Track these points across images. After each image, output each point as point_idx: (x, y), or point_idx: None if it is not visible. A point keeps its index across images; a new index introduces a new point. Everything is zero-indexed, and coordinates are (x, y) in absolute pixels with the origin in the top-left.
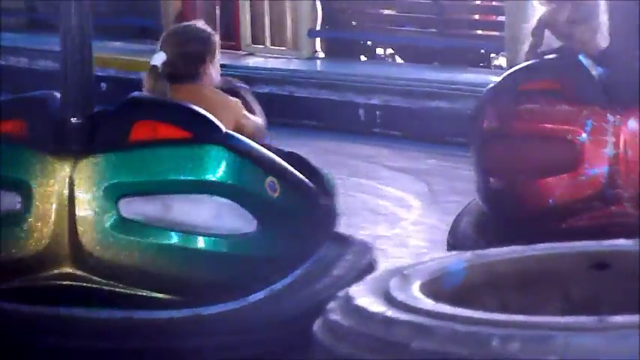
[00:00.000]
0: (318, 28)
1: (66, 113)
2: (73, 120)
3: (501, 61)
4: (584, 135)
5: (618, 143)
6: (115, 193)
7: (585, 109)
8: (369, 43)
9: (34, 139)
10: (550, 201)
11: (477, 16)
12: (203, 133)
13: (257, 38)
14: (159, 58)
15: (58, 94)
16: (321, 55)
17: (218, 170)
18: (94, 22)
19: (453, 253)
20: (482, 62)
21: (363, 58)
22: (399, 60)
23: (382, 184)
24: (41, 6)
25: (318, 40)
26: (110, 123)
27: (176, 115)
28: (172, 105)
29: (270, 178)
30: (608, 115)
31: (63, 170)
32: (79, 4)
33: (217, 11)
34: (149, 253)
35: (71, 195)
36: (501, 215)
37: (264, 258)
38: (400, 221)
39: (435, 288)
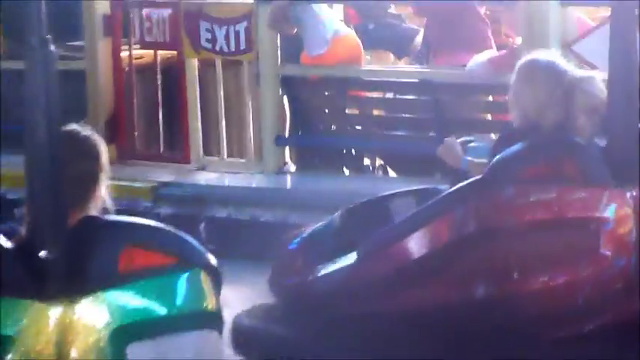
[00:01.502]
0: (286, 134)
1: (35, 248)
2: (44, 255)
3: None
4: (609, 222)
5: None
6: (122, 339)
7: (604, 193)
8: (352, 151)
9: (3, 283)
10: (578, 300)
11: (488, 116)
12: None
13: (210, 148)
14: None
15: None
16: (292, 168)
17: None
18: None
19: None
20: None
21: (345, 171)
22: (391, 173)
23: None
24: None
25: (287, 149)
26: (89, 253)
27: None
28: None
29: None
30: (627, 196)
31: (47, 318)
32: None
33: (159, 114)
34: None
35: (63, 347)
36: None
37: None
38: None
39: None
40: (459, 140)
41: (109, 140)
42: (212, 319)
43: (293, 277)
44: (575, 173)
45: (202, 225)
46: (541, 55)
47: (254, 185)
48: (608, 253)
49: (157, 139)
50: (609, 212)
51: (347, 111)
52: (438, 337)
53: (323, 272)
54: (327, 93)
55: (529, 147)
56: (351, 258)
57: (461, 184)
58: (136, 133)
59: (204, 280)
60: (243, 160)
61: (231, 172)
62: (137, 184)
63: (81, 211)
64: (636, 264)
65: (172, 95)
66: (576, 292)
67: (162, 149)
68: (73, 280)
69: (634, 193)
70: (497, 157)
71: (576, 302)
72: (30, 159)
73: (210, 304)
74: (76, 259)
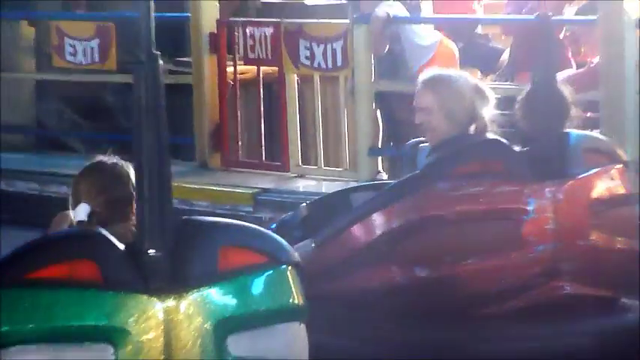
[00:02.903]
0: (379, 145)
1: (141, 246)
2: (151, 253)
3: None
4: (530, 213)
5: (558, 216)
6: (223, 331)
7: (526, 187)
8: None
9: (113, 280)
10: (498, 283)
11: None
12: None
13: (308, 158)
14: (82, 212)
15: (102, 230)
16: (384, 176)
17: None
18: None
19: None
20: None
21: None
22: None
23: None
24: (52, 121)
25: (379, 159)
26: (191, 252)
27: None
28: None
29: None
30: (546, 190)
31: (156, 311)
32: (154, 122)
33: (261, 126)
34: None
35: (170, 338)
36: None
37: None
38: None
39: None
40: (412, 141)
41: (214, 149)
42: (298, 312)
43: None
44: (501, 170)
45: None
46: (444, 71)
47: None
48: (530, 240)
49: (258, 148)
50: (530, 204)
51: None
52: (385, 316)
53: None
54: None
55: (460, 148)
56: (307, 246)
57: (401, 179)
58: (239, 143)
59: (292, 276)
60: (339, 169)
61: (328, 180)
62: (239, 190)
63: (126, 223)
64: (554, 249)
65: (273, 108)
66: (502, 275)
67: (263, 158)
68: (178, 277)
69: (552, 188)
70: (433, 156)
71: (502, 283)
72: (139, 168)
73: (296, 298)
74: (179, 258)
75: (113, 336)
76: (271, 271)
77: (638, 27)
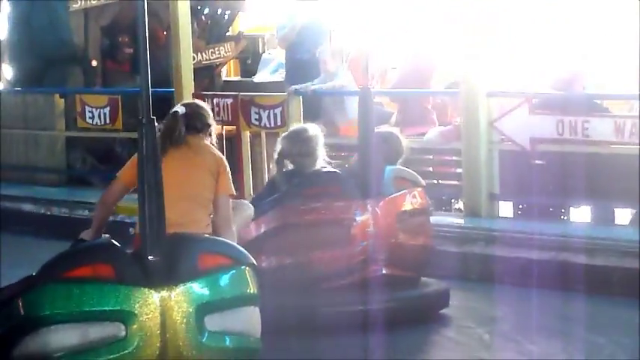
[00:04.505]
0: None
1: (144, 253)
2: (151, 258)
3: (460, 205)
4: (356, 220)
5: (375, 223)
6: (202, 313)
7: (354, 203)
8: None
9: (124, 277)
10: (335, 267)
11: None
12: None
13: (258, 190)
14: (180, 109)
15: (111, 239)
16: None
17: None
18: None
19: None
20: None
21: None
22: None
23: None
24: (77, 165)
25: None
26: (179, 257)
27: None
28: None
29: None
30: (368, 205)
31: (154, 299)
32: (152, 165)
33: None
34: (229, 355)
35: (165, 318)
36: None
37: None
38: None
39: None
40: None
41: None
42: (254, 299)
43: None
44: (338, 191)
45: None
46: (295, 128)
47: None
48: (355, 238)
49: None
50: (357, 215)
51: None
52: (263, 289)
53: None
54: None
55: (309, 177)
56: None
57: (272, 197)
58: None
59: (249, 273)
60: None
61: None
62: None
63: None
64: (373, 244)
65: (233, 155)
66: (338, 261)
67: None
68: (170, 275)
69: (371, 204)
70: (294, 182)
71: (339, 267)
72: (142, 198)
73: (252, 289)
74: (171, 261)
75: (124, 317)
76: (235, 270)
77: (489, 96)
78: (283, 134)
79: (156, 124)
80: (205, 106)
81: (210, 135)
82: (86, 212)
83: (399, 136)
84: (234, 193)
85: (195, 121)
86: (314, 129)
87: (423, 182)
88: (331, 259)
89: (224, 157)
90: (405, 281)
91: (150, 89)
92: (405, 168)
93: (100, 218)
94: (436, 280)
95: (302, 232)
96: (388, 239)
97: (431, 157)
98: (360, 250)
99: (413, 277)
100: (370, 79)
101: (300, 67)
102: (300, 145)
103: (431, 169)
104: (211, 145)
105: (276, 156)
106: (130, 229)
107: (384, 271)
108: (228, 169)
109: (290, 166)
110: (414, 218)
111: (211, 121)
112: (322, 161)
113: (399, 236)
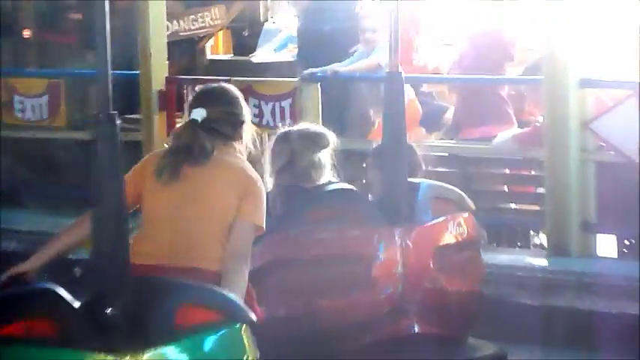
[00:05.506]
0: None
1: (98, 304)
2: (109, 311)
3: (542, 238)
4: (379, 256)
5: (405, 260)
6: None
7: (376, 233)
8: None
9: (69, 337)
10: (355, 320)
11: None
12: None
13: None
14: (199, 114)
15: (54, 286)
16: None
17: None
18: None
19: None
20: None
21: None
22: None
23: None
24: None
25: None
26: (149, 310)
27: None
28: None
29: None
30: (395, 233)
31: None
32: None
33: None
34: None
35: None
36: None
37: None
38: None
39: None
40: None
41: None
42: None
43: None
44: (354, 215)
45: None
46: (294, 128)
47: None
48: (378, 282)
49: None
50: (380, 249)
51: None
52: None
53: None
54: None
55: (313, 195)
56: None
57: (271, 218)
58: None
59: (246, 334)
60: None
61: None
62: None
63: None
64: (402, 292)
65: None
66: (354, 313)
67: None
68: (135, 335)
69: (399, 233)
70: (293, 202)
71: (356, 321)
72: (97, 224)
73: (249, 355)
74: (137, 316)
75: None
76: (226, 330)
77: (582, 87)
78: (277, 134)
79: (117, 121)
80: (236, 92)
81: (241, 138)
82: (13, 244)
83: (412, 145)
84: (262, 226)
85: (223, 126)
86: (318, 127)
87: (472, 204)
88: (345, 311)
89: (260, 180)
90: (446, 343)
91: (109, 71)
92: (446, 185)
93: (60, 245)
94: (487, 342)
95: (304, 271)
96: (423, 284)
97: (504, 170)
98: (385, 298)
99: (456, 337)
100: (413, 59)
101: (320, 41)
102: (302, 149)
103: (505, 187)
104: (244, 160)
105: (268, 166)
106: (75, 270)
107: (416, 329)
108: (261, 193)
109: (288, 180)
110: (458, 254)
111: (245, 113)
112: (330, 173)
113: (437, 279)
